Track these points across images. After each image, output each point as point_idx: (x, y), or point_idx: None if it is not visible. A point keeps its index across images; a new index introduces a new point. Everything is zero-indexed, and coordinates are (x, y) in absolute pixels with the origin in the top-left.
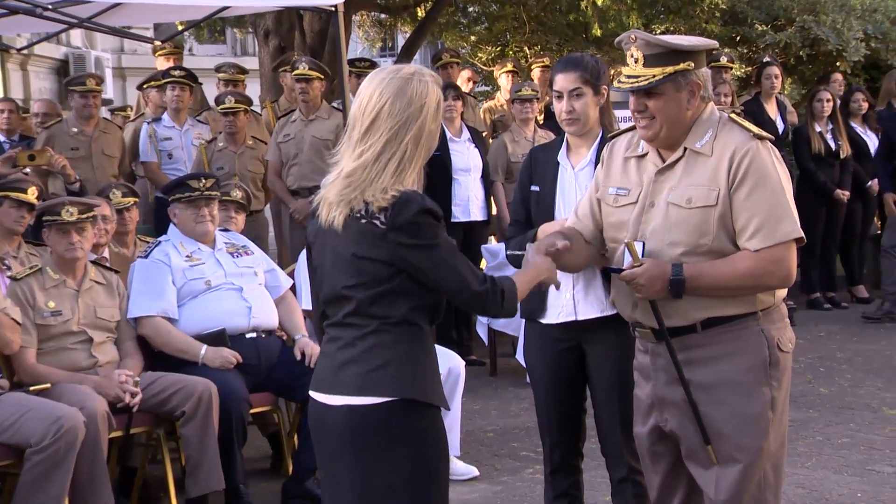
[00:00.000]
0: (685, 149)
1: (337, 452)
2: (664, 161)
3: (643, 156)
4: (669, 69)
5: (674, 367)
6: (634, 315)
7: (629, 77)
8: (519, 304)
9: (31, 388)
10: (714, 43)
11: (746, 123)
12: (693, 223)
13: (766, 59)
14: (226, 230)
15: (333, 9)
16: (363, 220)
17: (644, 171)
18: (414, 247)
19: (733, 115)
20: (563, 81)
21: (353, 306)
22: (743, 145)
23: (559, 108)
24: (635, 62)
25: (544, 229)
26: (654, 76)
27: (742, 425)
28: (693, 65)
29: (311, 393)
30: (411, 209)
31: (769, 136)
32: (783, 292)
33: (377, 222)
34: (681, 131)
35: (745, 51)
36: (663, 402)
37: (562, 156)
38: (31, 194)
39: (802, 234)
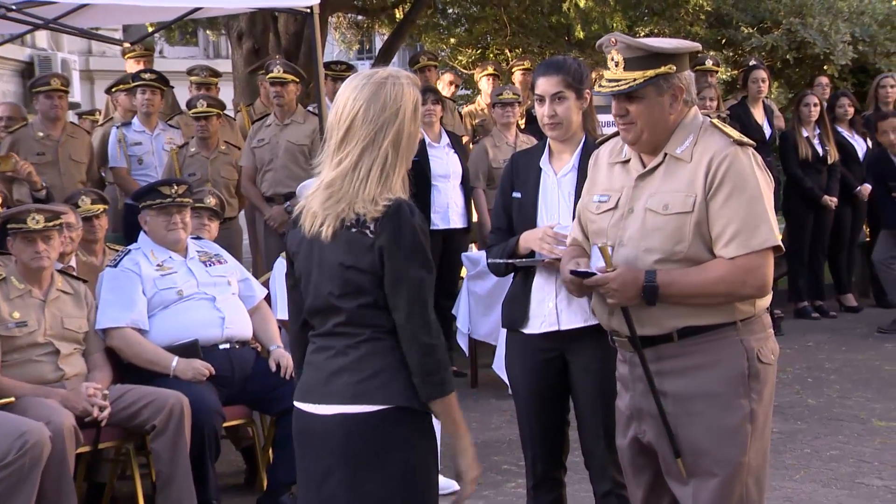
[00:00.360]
0: (665, 154)
1: (327, 463)
2: (645, 167)
3: (626, 161)
4: (650, 72)
5: (653, 376)
6: (611, 324)
7: (610, 81)
8: (501, 313)
9: None
10: (697, 45)
11: (727, 129)
12: (669, 229)
13: (753, 62)
14: (198, 238)
15: (309, 10)
16: (353, 230)
17: (626, 176)
18: (392, 259)
19: (715, 121)
20: (545, 85)
21: (345, 316)
22: (721, 151)
23: (541, 112)
24: (616, 66)
25: (526, 237)
26: (634, 80)
27: (720, 438)
28: (675, 68)
29: (297, 404)
30: (402, 222)
31: (750, 141)
32: (765, 302)
33: (367, 231)
34: (663, 136)
35: (731, 54)
36: (641, 413)
37: (544, 161)
38: None
39: (779, 243)
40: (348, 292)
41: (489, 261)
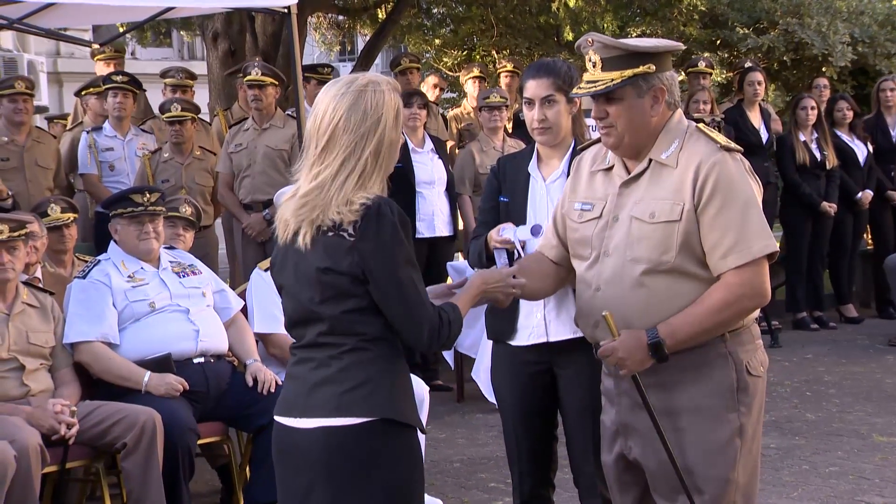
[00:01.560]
0: (650, 160)
1: (308, 479)
2: (629, 173)
3: (609, 169)
4: (629, 72)
5: (637, 391)
6: (596, 335)
7: (588, 82)
8: (485, 325)
9: None
10: (678, 45)
11: (714, 134)
12: (655, 239)
13: (748, 64)
14: (171, 248)
15: (286, 10)
16: (330, 234)
17: (610, 184)
18: (378, 264)
19: (700, 126)
20: (534, 88)
21: (328, 325)
22: (708, 157)
23: (530, 116)
24: (593, 66)
25: (492, 235)
26: (612, 80)
27: (707, 454)
28: (654, 68)
29: (278, 418)
30: (382, 223)
31: (737, 147)
32: (755, 313)
33: (345, 234)
34: (646, 140)
35: (726, 55)
36: (627, 428)
37: (532, 167)
38: None
39: (777, 248)
40: (329, 297)
41: (475, 266)
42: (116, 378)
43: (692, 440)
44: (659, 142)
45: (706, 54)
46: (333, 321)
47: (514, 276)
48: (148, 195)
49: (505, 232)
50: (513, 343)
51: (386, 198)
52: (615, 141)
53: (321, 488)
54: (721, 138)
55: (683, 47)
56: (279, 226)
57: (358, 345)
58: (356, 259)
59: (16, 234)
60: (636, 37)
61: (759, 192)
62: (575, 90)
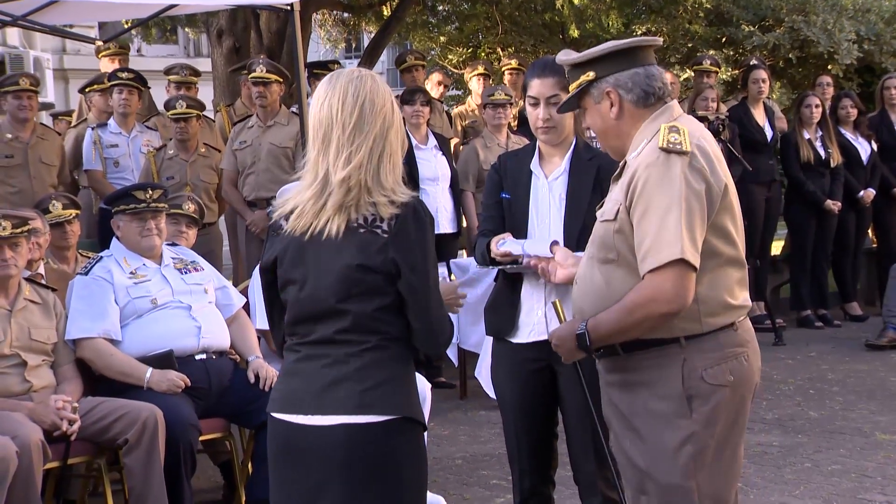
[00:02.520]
0: (625, 162)
1: (321, 477)
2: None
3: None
4: (573, 85)
5: (608, 386)
6: None
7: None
8: (485, 322)
9: None
10: (617, 45)
11: (670, 134)
12: (600, 236)
13: (753, 61)
14: (173, 244)
15: (289, 7)
16: (362, 230)
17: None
18: (413, 263)
19: (668, 124)
20: (540, 87)
21: (350, 321)
22: (646, 159)
23: (535, 115)
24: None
25: (497, 241)
26: (569, 93)
27: (656, 459)
28: (594, 74)
29: (281, 416)
30: (420, 224)
31: (684, 149)
32: (719, 320)
33: (379, 231)
34: (615, 141)
35: (732, 53)
36: (608, 420)
37: (534, 164)
38: None
39: (687, 257)
40: (356, 294)
41: (479, 268)
42: (118, 374)
43: (644, 443)
44: (634, 142)
45: (711, 52)
46: (358, 318)
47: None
48: (150, 192)
49: (504, 245)
50: (513, 340)
51: (419, 198)
52: (601, 145)
53: (336, 486)
54: (673, 137)
55: (632, 43)
56: (300, 220)
57: (379, 343)
58: (390, 256)
59: (18, 230)
60: (641, 34)
61: (696, 198)
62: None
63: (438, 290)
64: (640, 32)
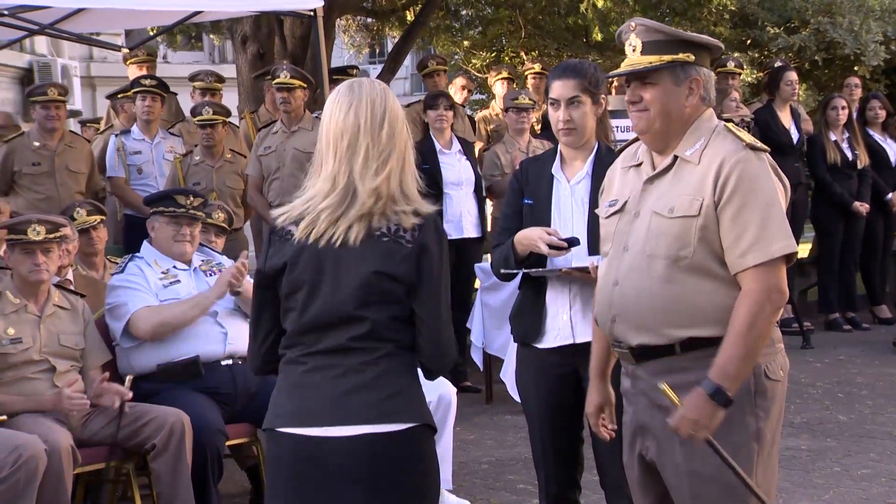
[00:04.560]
0: (675, 157)
1: (340, 487)
2: (655, 169)
3: (638, 165)
4: (667, 57)
5: (654, 391)
6: (614, 331)
7: (626, 66)
8: (511, 327)
9: None
10: (718, 43)
11: (741, 133)
12: (673, 234)
13: (779, 63)
14: (202, 245)
15: (312, 13)
16: (385, 239)
17: (637, 180)
18: (433, 276)
19: (729, 125)
20: (560, 89)
21: (367, 328)
22: (732, 155)
23: (555, 117)
24: (633, 51)
25: (520, 240)
26: (650, 63)
27: (719, 460)
28: (693, 58)
29: (296, 430)
30: (441, 238)
31: (763, 146)
32: (774, 316)
33: (402, 241)
34: (676, 129)
35: (756, 55)
36: (643, 429)
37: (556, 168)
38: None
39: (796, 249)
40: (374, 301)
41: (502, 271)
42: (181, 322)
43: (703, 444)
44: (686, 138)
45: (736, 54)
46: (375, 325)
47: None
48: (192, 198)
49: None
50: (538, 345)
51: (439, 210)
52: (646, 125)
53: (359, 497)
54: (747, 137)
55: (722, 46)
56: (318, 226)
57: (393, 351)
58: (413, 266)
59: (52, 235)
60: None
61: (786, 194)
62: (612, 72)
63: (449, 308)
64: None
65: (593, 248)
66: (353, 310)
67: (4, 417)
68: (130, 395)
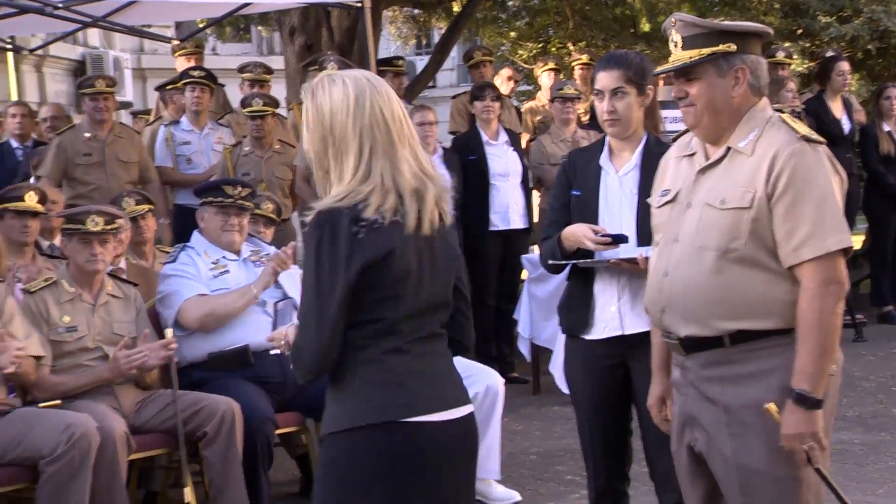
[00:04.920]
0: (728, 148)
1: (463, 463)
2: (708, 160)
3: (691, 155)
4: (707, 50)
5: (703, 382)
6: (663, 322)
7: (670, 63)
8: (559, 318)
9: (41, 405)
10: (766, 28)
11: (796, 124)
12: (725, 225)
13: (830, 53)
14: (251, 236)
15: (359, 4)
16: (446, 224)
17: (689, 171)
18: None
19: (784, 115)
20: (604, 80)
21: (448, 313)
22: (786, 147)
23: (600, 108)
24: (675, 46)
25: (566, 235)
26: (690, 57)
27: (774, 454)
28: (736, 48)
29: (435, 416)
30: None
31: (819, 138)
32: (838, 308)
33: (451, 227)
34: (726, 121)
35: (808, 45)
36: (692, 420)
37: (604, 160)
38: (31, 200)
39: (851, 243)
40: (453, 286)
41: (550, 262)
42: (231, 310)
43: (759, 439)
44: (739, 129)
45: (787, 44)
46: (451, 309)
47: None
48: (240, 188)
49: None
50: (586, 337)
51: None
52: (693, 120)
53: (471, 470)
54: (803, 128)
55: (770, 31)
56: (392, 213)
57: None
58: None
59: (109, 227)
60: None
61: (842, 186)
62: (656, 70)
63: None
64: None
65: (642, 240)
66: (448, 295)
67: (59, 402)
68: (175, 343)
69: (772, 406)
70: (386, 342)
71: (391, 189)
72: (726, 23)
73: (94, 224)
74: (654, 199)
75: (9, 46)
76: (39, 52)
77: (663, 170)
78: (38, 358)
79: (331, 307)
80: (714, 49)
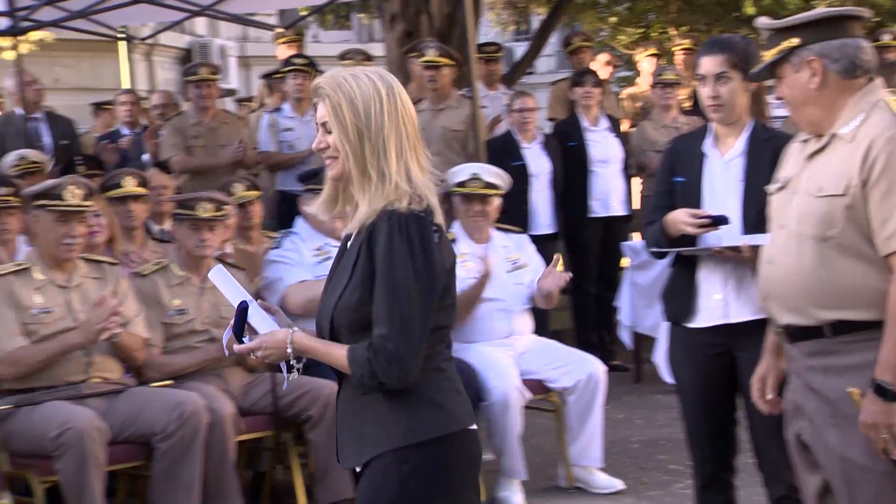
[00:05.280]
0: (833, 135)
1: None
2: (816, 147)
3: (805, 141)
4: (773, 51)
5: (808, 372)
6: (768, 309)
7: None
8: (663, 306)
9: (153, 385)
10: (831, 11)
11: None
12: (820, 213)
13: None
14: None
15: None
16: None
17: (800, 157)
18: None
19: (891, 100)
20: (707, 64)
21: None
22: (884, 133)
23: (703, 93)
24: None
25: (667, 222)
26: (765, 60)
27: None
28: (797, 41)
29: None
30: None
31: None
32: None
33: None
34: (819, 113)
35: None
36: (798, 409)
37: (708, 145)
38: (130, 184)
39: None
40: None
41: (653, 250)
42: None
43: (856, 431)
44: (844, 114)
45: None
46: None
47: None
48: None
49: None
50: (691, 325)
51: None
52: (791, 116)
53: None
54: None
55: (842, 11)
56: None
57: None
58: None
59: (218, 214)
60: (824, 7)
61: None
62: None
63: None
64: (822, 6)
65: (747, 227)
66: None
67: (171, 382)
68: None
69: (855, 391)
70: (444, 351)
71: (431, 190)
72: (787, 18)
73: (204, 210)
74: (772, 186)
75: (121, 35)
76: (149, 40)
77: (785, 157)
78: (144, 339)
79: (429, 314)
80: (779, 48)
